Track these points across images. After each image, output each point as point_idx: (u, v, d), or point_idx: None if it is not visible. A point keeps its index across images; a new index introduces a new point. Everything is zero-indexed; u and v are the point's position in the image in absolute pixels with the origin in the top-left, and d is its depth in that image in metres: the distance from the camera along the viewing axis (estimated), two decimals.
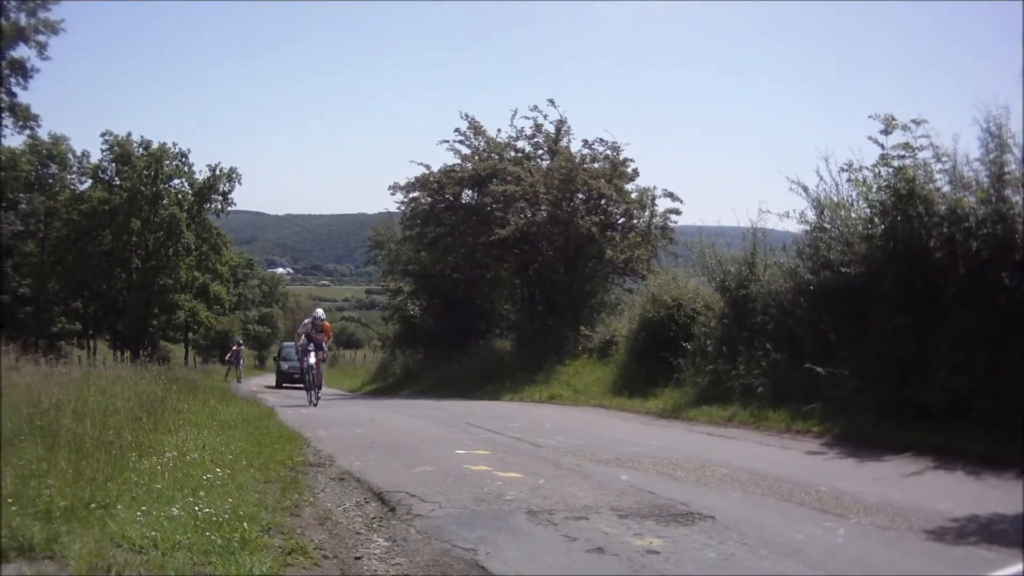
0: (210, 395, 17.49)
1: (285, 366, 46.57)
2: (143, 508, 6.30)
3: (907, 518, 7.22)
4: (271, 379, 59.57)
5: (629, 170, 31.54)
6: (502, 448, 11.93)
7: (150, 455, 8.78)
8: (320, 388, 23.30)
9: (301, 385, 28.72)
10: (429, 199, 32.62)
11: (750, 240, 17.37)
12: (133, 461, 8.21)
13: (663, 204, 31.82)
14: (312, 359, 22.78)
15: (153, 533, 5.69)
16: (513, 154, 32.17)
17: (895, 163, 12.96)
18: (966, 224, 11.36)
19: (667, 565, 5.90)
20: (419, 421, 15.90)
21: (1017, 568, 5.81)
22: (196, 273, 77.41)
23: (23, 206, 67.02)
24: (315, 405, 21.91)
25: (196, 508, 6.45)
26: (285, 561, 5.77)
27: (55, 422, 8.62)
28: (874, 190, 13.35)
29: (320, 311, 23.85)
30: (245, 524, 6.19)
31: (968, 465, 9.69)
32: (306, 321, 23.78)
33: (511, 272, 34.07)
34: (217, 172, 75.62)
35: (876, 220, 13.27)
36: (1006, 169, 11.35)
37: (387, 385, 40.69)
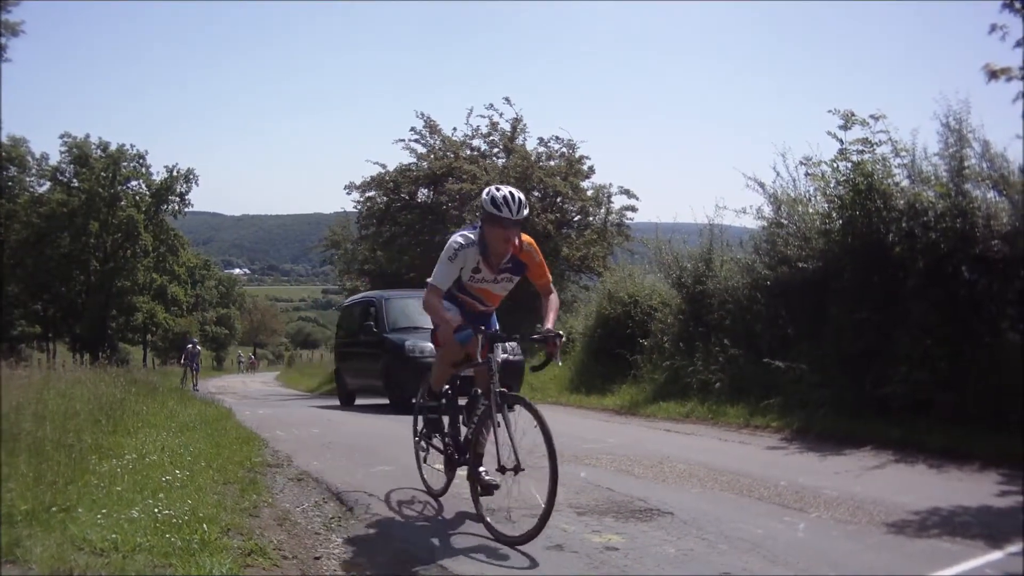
0: (168, 397, 17.36)
1: (411, 342, 17.66)
2: (103, 511, 6.24)
3: (868, 512, 7.27)
4: (232, 380, 58.29)
5: (585, 167, 31.79)
6: None
7: (110, 458, 8.71)
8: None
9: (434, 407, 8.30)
10: (385, 198, 32.70)
11: (707, 236, 17.40)
12: (93, 464, 8.14)
13: (619, 201, 32.11)
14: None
15: (114, 536, 5.63)
16: (469, 152, 32.32)
17: (853, 158, 13.05)
18: (925, 218, 11.44)
19: (626, 561, 5.90)
20: (377, 420, 15.80)
21: (980, 560, 5.84)
22: (154, 275, 77.51)
23: None
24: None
25: (156, 510, 6.39)
26: (244, 562, 5.72)
27: (15, 426, 8.52)
28: (832, 185, 13.43)
29: (507, 189, 6.82)
30: (204, 526, 6.14)
31: (929, 458, 9.77)
32: (467, 234, 7.09)
33: None
34: (174, 173, 75.82)
35: (834, 215, 13.33)
36: (966, 163, 11.45)
37: None
